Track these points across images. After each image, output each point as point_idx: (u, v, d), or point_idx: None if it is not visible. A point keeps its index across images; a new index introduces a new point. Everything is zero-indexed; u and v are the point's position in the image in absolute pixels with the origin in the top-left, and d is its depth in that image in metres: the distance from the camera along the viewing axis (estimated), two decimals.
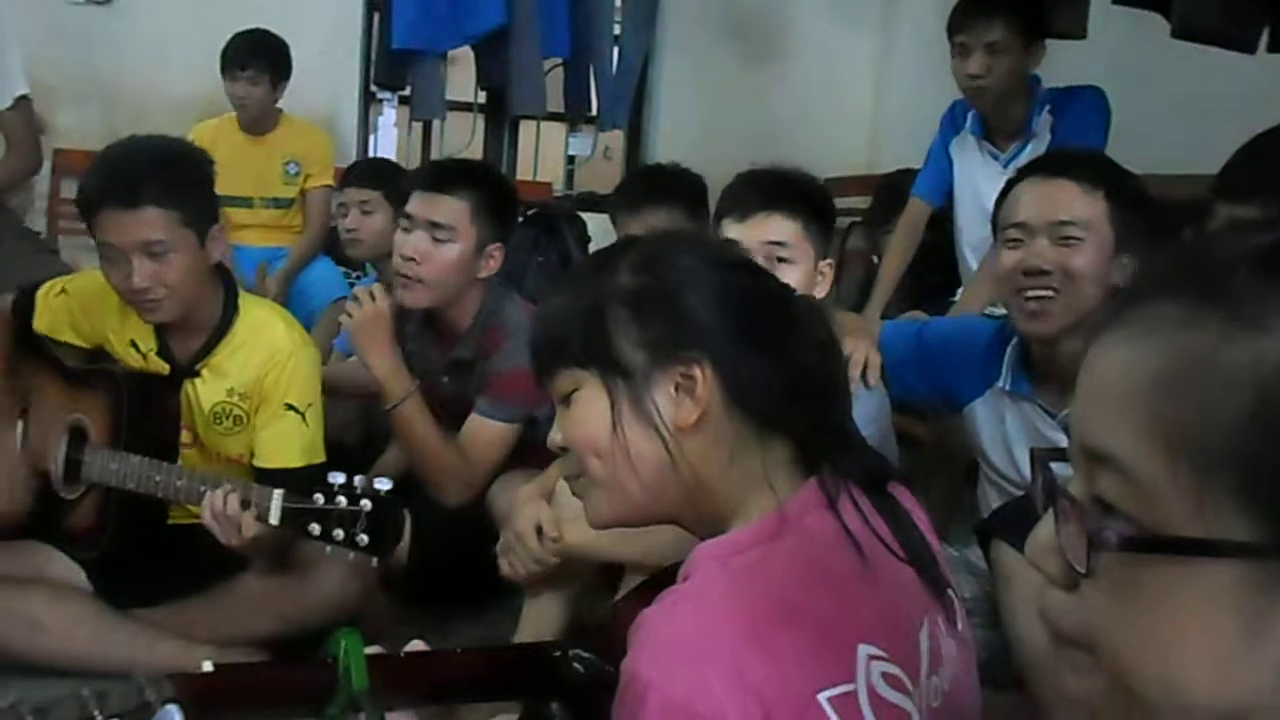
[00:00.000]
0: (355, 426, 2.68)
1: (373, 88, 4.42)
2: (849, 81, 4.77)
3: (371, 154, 4.59)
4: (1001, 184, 1.75)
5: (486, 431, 2.11)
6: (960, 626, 0.95)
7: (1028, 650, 1.46)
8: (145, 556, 1.94)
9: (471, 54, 3.80)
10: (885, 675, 0.80)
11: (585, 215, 3.64)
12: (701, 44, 4.68)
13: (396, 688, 0.96)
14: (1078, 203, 1.59)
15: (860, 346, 1.80)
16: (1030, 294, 1.60)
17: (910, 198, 3.01)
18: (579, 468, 0.96)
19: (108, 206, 1.77)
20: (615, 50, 3.97)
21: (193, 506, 1.78)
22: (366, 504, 1.56)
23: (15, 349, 2.03)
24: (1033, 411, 1.70)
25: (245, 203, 3.64)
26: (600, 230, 3.33)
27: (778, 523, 0.86)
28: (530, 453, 2.08)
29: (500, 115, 4.10)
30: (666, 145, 4.53)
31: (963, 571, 1.67)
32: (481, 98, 4.23)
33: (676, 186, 2.57)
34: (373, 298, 2.10)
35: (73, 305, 2.01)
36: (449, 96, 3.99)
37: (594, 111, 4.07)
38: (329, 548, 1.59)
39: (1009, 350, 1.73)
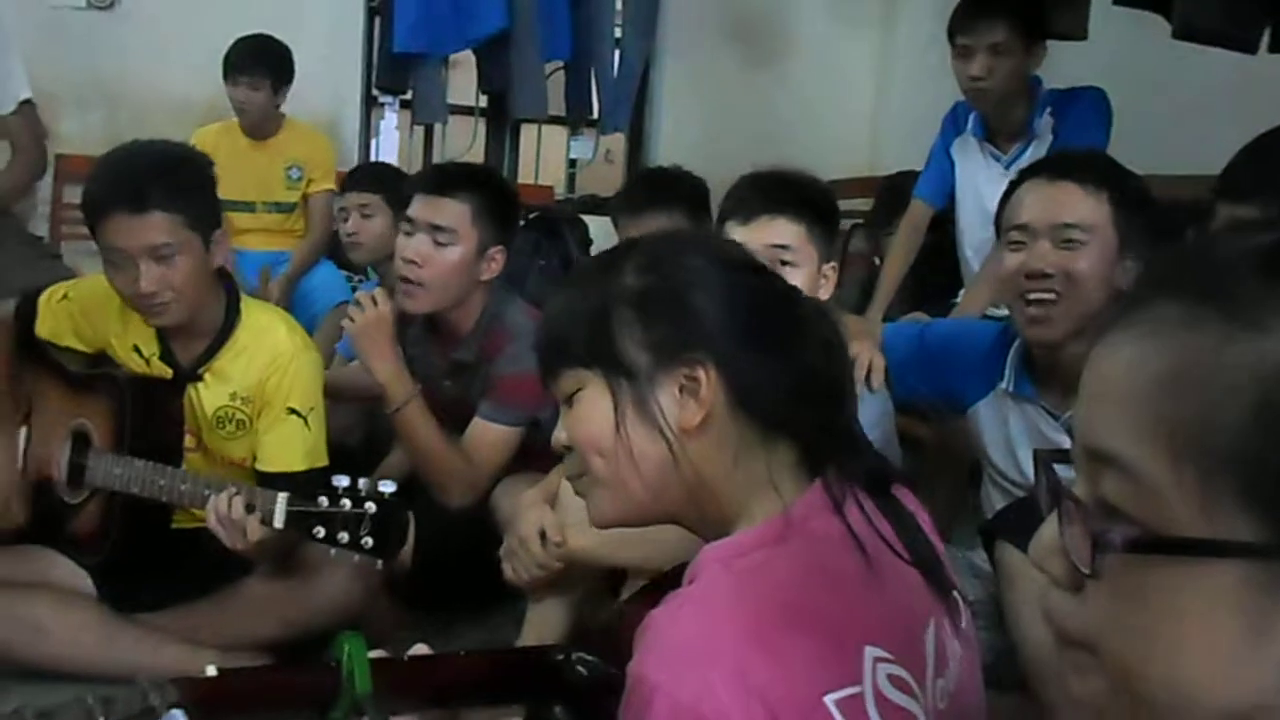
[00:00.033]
0: (357, 429, 2.68)
1: (374, 91, 4.42)
2: (850, 83, 4.77)
3: (373, 158, 4.59)
4: (1003, 185, 1.75)
5: (489, 435, 2.12)
6: (965, 628, 0.95)
7: (1032, 651, 1.46)
8: (149, 561, 1.94)
9: (473, 58, 3.80)
10: (891, 677, 0.80)
11: (587, 218, 3.64)
12: (702, 47, 4.68)
13: (400, 691, 0.96)
14: (1081, 205, 1.58)
15: (864, 349, 1.80)
16: (1032, 297, 1.60)
17: (912, 199, 3.01)
18: (582, 467, 0.96)
19: (114, 211, 1.77)
20: (616, 53, 3.97)
21: (197, 510, 1.79)
22: (371, 506, 1.56)
23: (18, 354, 2.03)
24: (1036, 413, 1.70)
25: (248, 207, 3.64)
26: (602, 233, 3.33)
27: (783, 526, 0.86)
28: (533, 456, 2.08)
29: (501, 119, 4.11)
30: (668, 148, 4.54)
31: (966, 573, 1.67)
32: (483, 101, 4.23)
33: (678, 189, 2.58)
34: (375, 302, 2.10)
35: (75, 310, 2.01)
36: (450, 100, 4.00)
37: (595, 115, 4.08)
38: (334, 550, 1.59)
39: (1012, 352, 1.73)
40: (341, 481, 1.57)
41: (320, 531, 1.58)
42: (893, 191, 3.37)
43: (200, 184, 1.88)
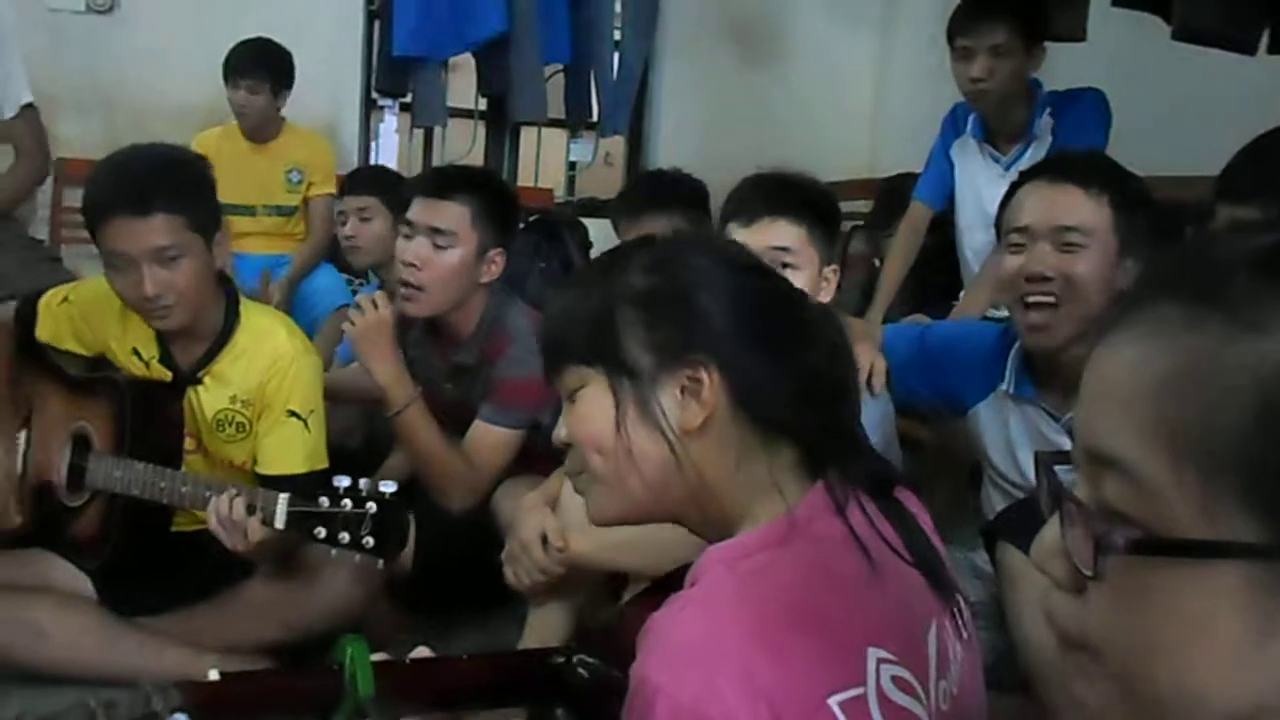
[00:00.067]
0: (357, 432, 2.68)
1: (374, 95, 4.42)
2: (849, 85, 4.78)
3: (373, 161, 4.59)
4: (1003, 187, 1.75)
5: (490, 437, 2.12)
6: (966, 629, 0.95)
7: (1034, 653, 1.46)
8: (149, 564, 1.94)
9: (472, 61, 3.80)
10: (895, 679, 0.80)
11: (587, 221, 3.64)
12: (701, 48, 4.69)
13: (402, 694, 0.96)
14: (1082, 208, 1.58)
15: (865, 353, 1.80)
16: (1031, 300, 1.60)
17: (911, 201, 3.01)
18: (581, 464, 0.96)
19: (117, 214, 1.77)
20: (615, 56, 3.97)
21: (198, 512, 1.79)
22: (372, 506, 1.56)
23: (18, 358, 2.03)
24: (1036, 415, 1.70)
25: (248, 210, 3.65)
26: (602, 236, 3.33)
27: (787, 527, 0.86)
28: (534, 459, 2.08)
29: (501, 122, 4.10)
30: (667, 150, 4.54)
31: (968, 574, 1.67)
32: (482, 104, 4.23)
33: (678, 192, 2.58)
34: (375, 305, 2.10)
35: (75, 313, 2.01)
36: (450, 103, 4.00)
37: (595, 117, 4.08)
38: (335, 551, 1.59)
39: (1012, 353, 1.73)
40: (342, 482, 1.57)
41: (321, 532, 1.58)
42: (892, 193, 3.37)
43: (201, 186, 1.88)
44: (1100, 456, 0.48)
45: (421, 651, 1.02)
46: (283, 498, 1.64)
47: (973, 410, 1.82)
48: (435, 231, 2.08)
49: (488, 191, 2.17)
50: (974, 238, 2.81)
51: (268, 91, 3.54)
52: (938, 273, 3.04)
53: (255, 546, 1.71)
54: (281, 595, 1.93)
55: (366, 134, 4.58)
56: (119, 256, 1.79)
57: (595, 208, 4.24)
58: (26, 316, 2.04)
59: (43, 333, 2.03)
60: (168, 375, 1.94)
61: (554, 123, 4.19)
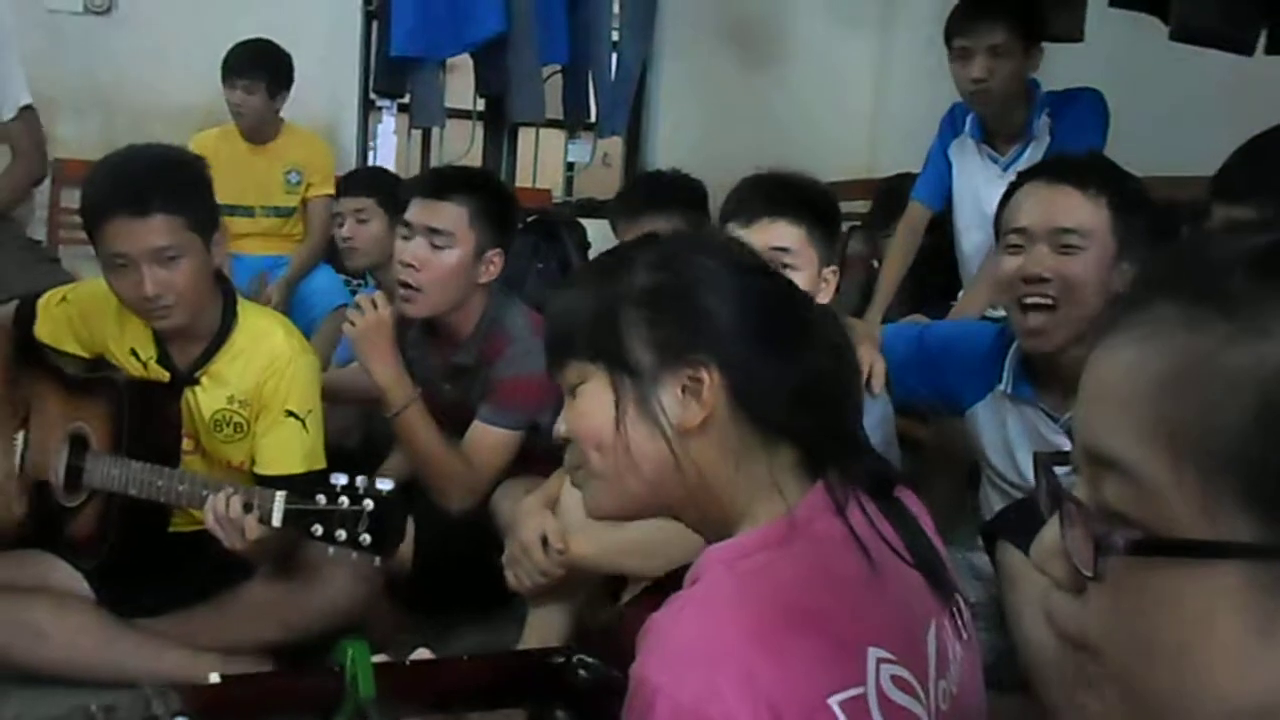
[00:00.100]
0: (355, 432, 2.68)
1: (372, 95, 4.41)
2: (848, 86, 4.77)
3: (371, 162, 4.59)
4: (1001, 187, 1.75)
5: (489, 438, 2.12)
6: (966, 629, 0.95)
7: (1033, 653, 1.46)
8: (147, 565, 1.94)
9: (470, 61, 3.80)
10: (894, 678, 0.80)
11: (585, 222, 3.65)
12: (700, 49, 4.69)
13: (403, 696, 0.96)
14: (1080, 210, 1.58)
15: (865, 353, 1.80)
16: (1029, 301, 1.60)
17: (910, 201, 3.01)
18: (580, 459, 0.96)
19: (115, 215, 1.76)
20: (614, 56, 3.97)
21: (195, 512, 1.79)
22: (369, 504, 1.56)
23: (16, 358, 2.03)
24: (1035, 415, 1.70)
25: (246, 211, 3.64)
26: (600, 236, 3.33)
27: (787, 527, 0.86)
28: (533, 459, 2.08)
29: (499, 122, 4.11)
30: (665, 151, 4.54)
31: (967, 575, 1.67)
32: (481, 105, 4.23)
33: (676, 193, 2.58)
34: (374, 306, 2.10)
35: (73, 314, 2.01)
36: (448, 104, 3.99)
37: (593, 118, 4.08)
38: (332, 548, 1.59)
39: (1010, 354, 1.73)
40: (339, 479, 1.57)
41: (318, 529, 1.58)
42: (891, 194, 3.37)
43: (199, 186, 1.88)
44: (1100, 457, 0.48)
45: (422, 653, 1.02)
46: (279, 495, 1.64)
47: (971, 410, 1.82)
48: (433, 232, 2.08)
49: (486, 192, 2.17)
50: (972, 238, 2.82)
51: (264, 92, 3.54)
52: (936, 273, 3.05)
53: (253, 545, 1.71)
54: (281, 596, 1.93)
55: (365, 135, 4.58)
56: (118, 257, 1.79)
57: (593, 208, 4.24)
58: (25, 317, 2.04)
59: (41, 333, 2.03)
60: (165, 375, 1.94)
61: (552, 123, 4.19)
